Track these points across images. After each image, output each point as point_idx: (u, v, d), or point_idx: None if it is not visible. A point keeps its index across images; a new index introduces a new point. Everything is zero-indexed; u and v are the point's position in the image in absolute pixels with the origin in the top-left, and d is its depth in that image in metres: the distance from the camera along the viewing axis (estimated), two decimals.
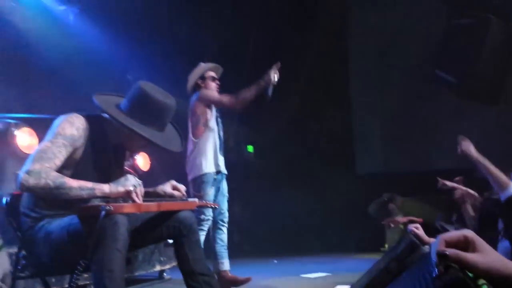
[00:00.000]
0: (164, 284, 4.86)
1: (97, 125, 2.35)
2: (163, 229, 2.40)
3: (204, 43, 7.31)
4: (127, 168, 2.65)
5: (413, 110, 8.01)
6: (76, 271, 2.07)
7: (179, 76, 4.83)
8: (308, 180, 7.37)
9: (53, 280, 3.21)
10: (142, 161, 5.01)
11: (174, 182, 2.48)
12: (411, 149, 7.94)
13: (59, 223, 2.21)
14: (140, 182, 2.22)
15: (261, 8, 7.42)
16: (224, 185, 4.33)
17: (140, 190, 2.19)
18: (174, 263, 4.27)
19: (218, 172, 4.22)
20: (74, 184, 2.14)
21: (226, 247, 4.27)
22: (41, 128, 4.05)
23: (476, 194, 3.78)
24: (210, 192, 4.14)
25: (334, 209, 7.47)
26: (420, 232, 2.78)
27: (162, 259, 4.74)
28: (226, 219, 4.30)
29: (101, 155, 2.37)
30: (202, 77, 4.33)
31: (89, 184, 2.16)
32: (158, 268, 4.75)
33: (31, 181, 2.10)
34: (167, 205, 2.37)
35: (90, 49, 5.99)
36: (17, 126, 4.25)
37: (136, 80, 2.48)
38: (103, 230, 2.02)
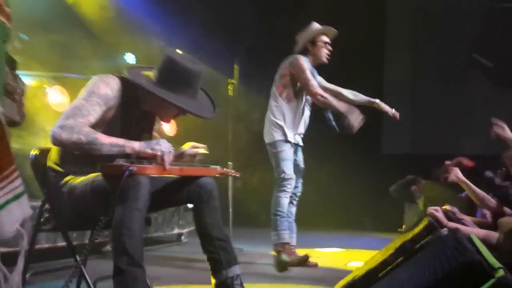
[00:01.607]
0: (181, 247, 4.97)
1: (130, 89, 2.35)
2: (183, 193, 2.43)
3: (244, 19, 7.25)
4: (154, 133, 2.66)
5: (445, 93, 7.84)
6: (97, 227, 2.12)
7: (218, 51, 4.73)
8: (330, 157, 7.32)
9: (74, 235, 3.31)
10: (168, 126, 5.06)
11: (195, 143, 2.51)
12: (440, 132, 7.80)
13: (83, 179, 2.25)
14: (172, 149, 2.22)
15: None
16: (300, 156, 4.08)
17: (169, 156, 2.19)
18: (192, 227, 4.35)
19: (295, 143, 3.98)
20: (106, 140, 2.16)
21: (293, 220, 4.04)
22: (72, 87, 4.13)
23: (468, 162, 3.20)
24: (288, 163, 3.86)
25: (355, 187, 7.43)
26: (440, 215, 2.77)
27: (181, 222, 4.84)
28: (299, 193, 4.08)
29: (131, 118, 2.38)
30: (313, 42, 3.93)
31: (120, 142, 2.18)
32: (176, 231, 4.86)
33: (64, 135, 2.12)
34: (189, 170, 2.39)
35: (130, 15, 6.02)
36: (49, 83, 4.32)
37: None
38: (125, 190, 2.05)
